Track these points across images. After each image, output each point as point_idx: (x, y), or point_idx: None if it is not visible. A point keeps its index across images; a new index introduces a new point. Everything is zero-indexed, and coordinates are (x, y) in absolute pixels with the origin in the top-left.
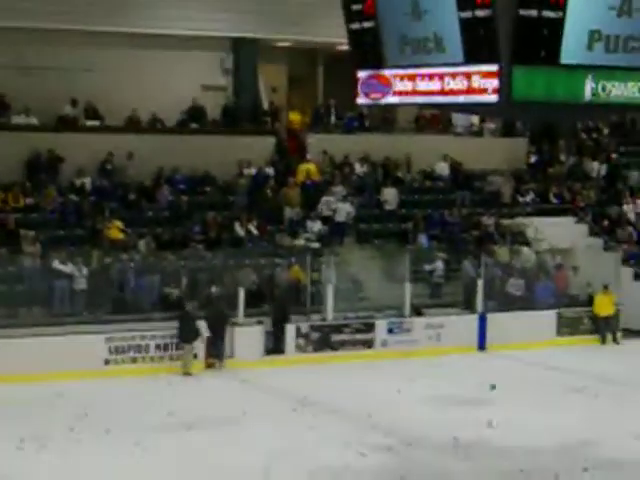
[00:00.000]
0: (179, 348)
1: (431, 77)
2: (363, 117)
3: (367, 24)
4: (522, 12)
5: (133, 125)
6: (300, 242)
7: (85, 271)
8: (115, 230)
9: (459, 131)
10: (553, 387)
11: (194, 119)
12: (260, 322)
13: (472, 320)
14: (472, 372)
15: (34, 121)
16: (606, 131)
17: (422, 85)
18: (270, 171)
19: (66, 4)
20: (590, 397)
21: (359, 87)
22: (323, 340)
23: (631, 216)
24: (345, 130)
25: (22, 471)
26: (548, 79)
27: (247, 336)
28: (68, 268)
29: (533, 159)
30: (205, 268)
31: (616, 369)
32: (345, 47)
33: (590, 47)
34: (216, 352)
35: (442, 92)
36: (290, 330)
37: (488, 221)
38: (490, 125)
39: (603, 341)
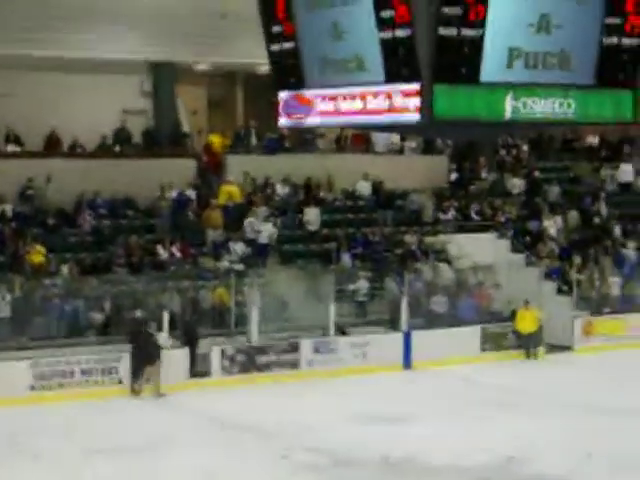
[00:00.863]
0: (142, 372)
1: (352, 97)
2: (284, 138)
3: (287, 45)
4: (442, 31)
5: (54, 150)
6: (223, 264)
7: (8, 297)
8: (37, 255)
9: (380, 150)
10: (478, 403)
11: (120, 141)
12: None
13: (397, 338)
14: (398, 390)
15: None
16: (525, 147)
17: (344, 105)
18: (192, 193)
19: None
20: (513, 412)
21: (280, 108)
22: (249, 362)
23: (552, 231)
24: (266, 151)
25: None
26: (469, 97)
27: (172, 359)
28: None
29: (453, 177)
30: (128, 292)
31: (538, 384)
32: (265, 68)
33: (510, 64)
34: (140, 377)
35: (364, 112)
36: (215, 352)
37: (411, 239)
38: (411, 144)
39: (527, 356)
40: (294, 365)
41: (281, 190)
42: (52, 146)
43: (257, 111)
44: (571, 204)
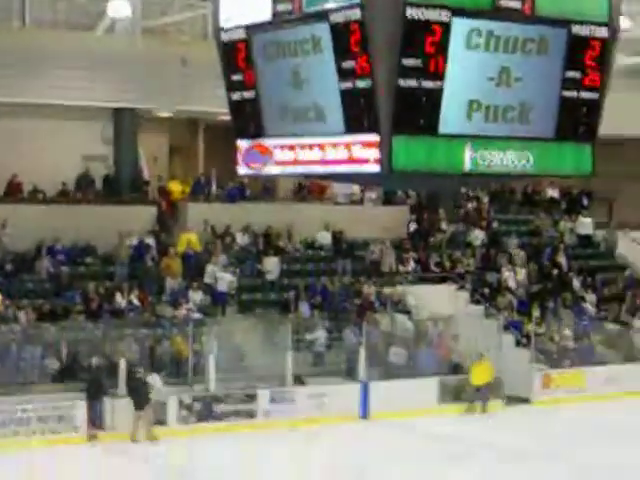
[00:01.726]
0: (135, 417)
1: (311, 147)
2: (244, 187)
3: (247, 94)
4: (402, 82)
5: (14, 195)
6: (182, 312)
7: None
8: None
9: (340, 200)
10: (435, 456)
11: (82, 187)
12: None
13: (355, 388)
14: (355, 441)
15: None
16: (485, 199)
17: (303, 155)
18: (151, 241)
19: None
20: (471, 465)
21: (240, 157)
22: (206, 411)
23: (511, 283)
24: (226, 200)
25: None
26: (428, 148)
27: (128, 407)
28: None
29: (412, 227)
30: (86, 339)
31: (498, 436)
32: (226, 117)
33: (469, 117)
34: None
35: (323, 162)
36: (172, 401)
37: (369, 290)
38: (371, 194)
39: (469, 410)
40: (251, 415)
41: (241, 239)
42: (12, 191)
43: (218, 158)
44: (531, 256)
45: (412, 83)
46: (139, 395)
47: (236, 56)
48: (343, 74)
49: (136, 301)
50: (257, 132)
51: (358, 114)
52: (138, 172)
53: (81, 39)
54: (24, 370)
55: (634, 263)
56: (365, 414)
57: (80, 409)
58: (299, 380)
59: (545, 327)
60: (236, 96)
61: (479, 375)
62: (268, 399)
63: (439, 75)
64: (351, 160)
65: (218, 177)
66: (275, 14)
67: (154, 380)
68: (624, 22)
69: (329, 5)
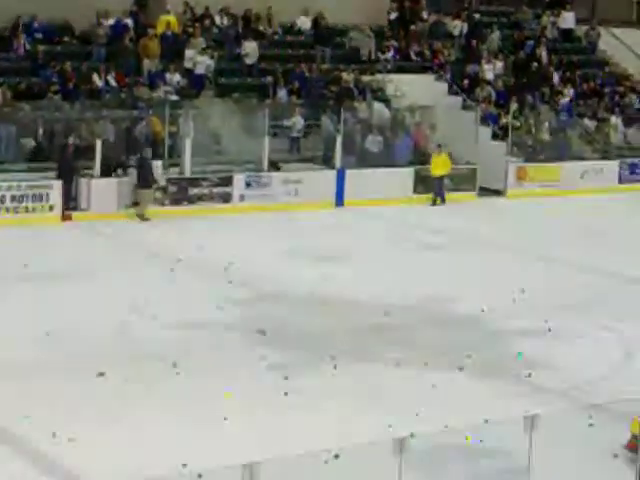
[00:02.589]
0: (136, 194)
1: None
2: None
3: None
4: None
5: None
6: (158, 94)
7: None
8: None
9: None
10: (408, 244)
11: None
12: (117, 175)
13: (330, 176)
14: (328, 228)
15: None
16: None
17: None
18: (129, 22)
19: None
20: (443, 254)
21: None
22: (181, 194)
23: (489, 75)
24: None
25: None
26: None
27: (104, 188)
28: None
29: (393, 15)
30: (62, 119)
31: (469, 226)
32: None
33: None
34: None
35: None
36: None
37: (348, 77)
38: None
39: (434, 202)
40: (226, 199)
41: (219, 21)
42: None
43: None
44: (511, 49)
45: None
46: (146, 174)
47: None
48: None
49: (113, 82)
50: None
51: None
52: None
53: None
54: None
55: (614, 60)
56: (340, 201)
57: (56, 190)
58: (275, 166)
59: (522, 121)
60: None
61: (439, 166)
62: (243, 183)
63: None
64: None
65: None
66: None
67: (157, 165)
68: None
69: None
